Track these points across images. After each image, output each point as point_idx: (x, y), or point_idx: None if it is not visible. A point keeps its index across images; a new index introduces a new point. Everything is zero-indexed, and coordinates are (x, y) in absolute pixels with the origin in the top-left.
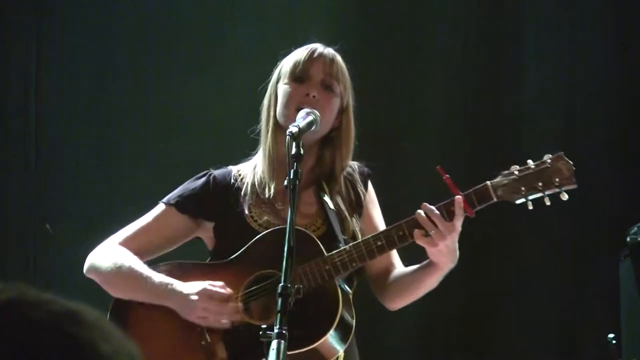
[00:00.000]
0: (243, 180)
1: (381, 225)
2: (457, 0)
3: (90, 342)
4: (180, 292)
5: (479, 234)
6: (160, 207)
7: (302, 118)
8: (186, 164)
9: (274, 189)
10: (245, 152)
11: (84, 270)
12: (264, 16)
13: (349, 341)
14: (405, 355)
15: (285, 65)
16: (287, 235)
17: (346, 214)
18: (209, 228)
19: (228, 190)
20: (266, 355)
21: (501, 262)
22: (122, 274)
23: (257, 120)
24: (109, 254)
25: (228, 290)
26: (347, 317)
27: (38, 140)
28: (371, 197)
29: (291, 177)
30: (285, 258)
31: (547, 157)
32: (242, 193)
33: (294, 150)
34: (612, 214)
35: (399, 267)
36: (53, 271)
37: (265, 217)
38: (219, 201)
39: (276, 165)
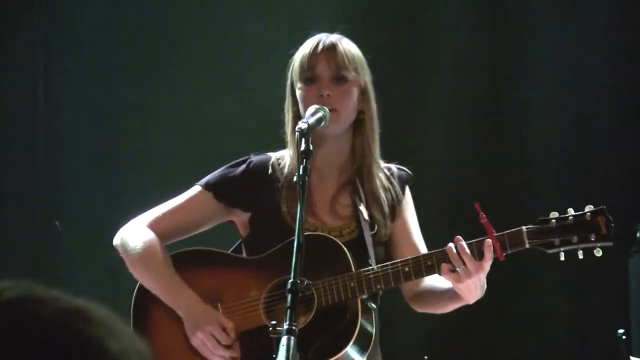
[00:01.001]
0: (282, 170)
1: (414, 229)
2: None
3: (98, 339)
4: (189, 316)
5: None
6: (196, 190)
7: (311, 114)
8: (195, 161)
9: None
10: (253, 150)
11: (113, 243)
12: (271, 12)
13: (368, 351)
14: (417, 347)
15: (294, 65)
16: (296, 233)
17: (380, 218)
18: (244, 217)
19: (266, 179)
20: (275, 351)
21: (510, 257)
22: (146, 266)
23: (263, 117)
24: (138, 238)
25: (231, 336)
26: (368, 330)
27: (46, 136)
28: (407, 201)
29: (300, 173)
30: (294, 254)
31: (588, 209)
32: (280, 185)
33: (303, 147)
34: (621, 210)
35: (430, 278)
36: (60, 267)
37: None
38: (256, 191)
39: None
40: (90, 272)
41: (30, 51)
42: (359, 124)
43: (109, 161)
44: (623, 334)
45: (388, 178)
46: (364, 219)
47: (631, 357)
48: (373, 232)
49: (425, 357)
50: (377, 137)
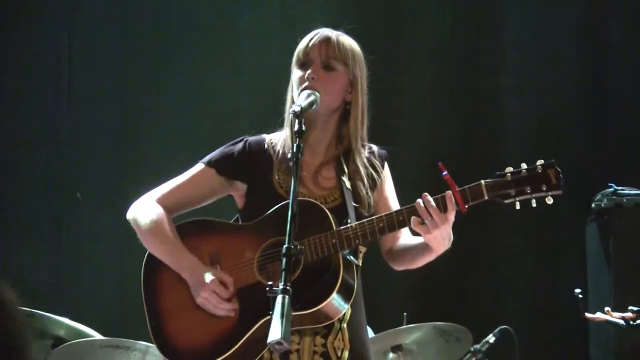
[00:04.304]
0: (275, 149)
1: (392, 198)
2: None
3: None
4: (192, 276)
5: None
6: (199, 167)
7: (304, 98)
8: (198, 140)
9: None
10: (250, 129)
11: (127, 216)
12: (265, 4)
13: (351, 300)
14: (397, 305)
15: (295, 53)
16: (290, 202)
17: (362, 189)
18: (242, 189)
19: (261, 156)
20: (272, 308)
21: (483, 228)
22: (154, 236)
23: (264, 98)
24: (148, 212)
25: (230, 290)
26: (349, 281)
27: (69, 116)
28: (386, 176)
29: (294, 151)
30: (288, 222)
31: (540, 163)
32: (273, 161)
33: (296, 127)
34: (580, 184)
35: (405, 237)
36: (81, 234)
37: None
38: (253, 165)
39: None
40: (106, 238)
41: (53, 34)
42: (346, 114)
43: (124, 139)
44: (580, 292)
45: (369, 157)
46: (347, 188)
47: (587, 314)
48: (357, 205)
49: (405, 313)
50: (364, 127)
